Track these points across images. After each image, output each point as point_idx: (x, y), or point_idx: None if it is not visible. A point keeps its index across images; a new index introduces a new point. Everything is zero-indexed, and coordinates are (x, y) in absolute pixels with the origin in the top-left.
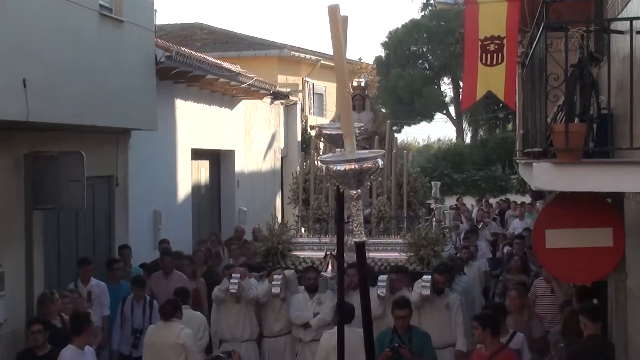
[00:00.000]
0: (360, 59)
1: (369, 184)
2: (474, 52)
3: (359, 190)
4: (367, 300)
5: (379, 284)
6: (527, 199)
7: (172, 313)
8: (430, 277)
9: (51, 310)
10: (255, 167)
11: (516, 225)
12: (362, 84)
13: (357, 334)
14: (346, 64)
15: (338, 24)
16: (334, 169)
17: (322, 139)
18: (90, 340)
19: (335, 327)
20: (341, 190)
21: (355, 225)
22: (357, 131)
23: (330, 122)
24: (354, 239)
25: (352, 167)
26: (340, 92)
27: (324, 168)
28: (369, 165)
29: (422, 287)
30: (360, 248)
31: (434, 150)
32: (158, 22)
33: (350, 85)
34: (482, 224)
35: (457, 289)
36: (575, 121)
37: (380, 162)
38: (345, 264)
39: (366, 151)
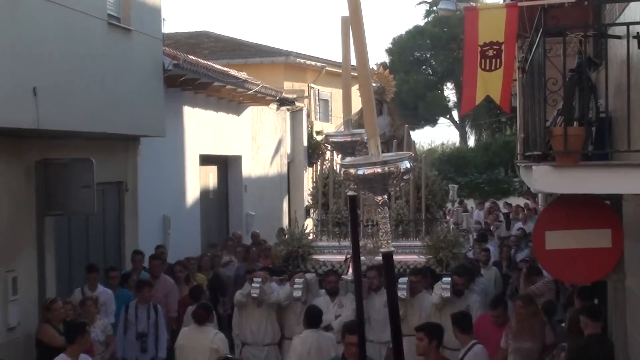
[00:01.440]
0: (377, 63)
1: (395, 188)
2: (474, 58)
3: (385, 196)
4: (396, 309)
5: (399, 286)
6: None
7: (205, 317)
8: (450, 279)
9: (47, 317)
10: (262, 172)
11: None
12: (379, 89)
13: (328, 338)
14: (369, 61)
15: (360, 20)
16: (357, 173)
17: (329, 148)
18: (85, 348)
19: (306, 332)
20: (358, 194)
21: (382, 234)
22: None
23: (336, 128)
24: (381, 249)
25: (377, 170)
26: (363, 89)
27: (343, 173)
28: (396, 168)
29: (442, 289)
30: (388, 258)
31: (437, 154)
32: (166, 30)
33: None
34: (492, 227)
35: (476, 290)
36: (575, 125)
37: (408, 164)
38: (364, 267)
39: (391, 153)
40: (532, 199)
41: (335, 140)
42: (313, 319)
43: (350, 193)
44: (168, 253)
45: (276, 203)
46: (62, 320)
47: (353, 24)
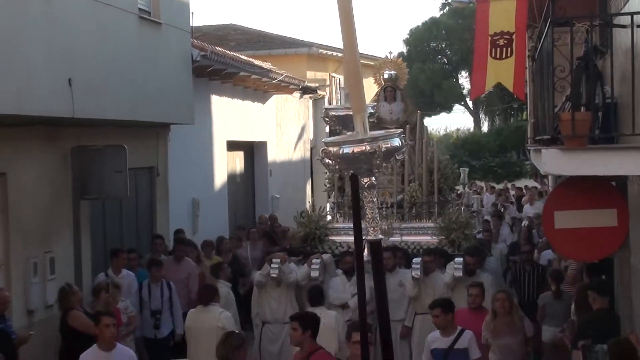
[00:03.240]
0: (390, 52)
1: (383, 169)
2: (484, 47)
3: (373, 178)
4: (384, 300)
5: (413, 266)
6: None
7: (210, 298)
8: (462, 259)
9: (72, 302)
10: (287, 157)
11: (527, 210)
12: (393, 76)
13: (329, 315)
14: (355, 32)
15: None
16: (341, 152)
17: (330, 123)
18: (107, 336)
19: (308, 310)
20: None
21: (368, 220)
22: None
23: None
24: (368, 237)
25: (364, 148)
26: (348, 59)
27: (322, 151)
28: (384, 147)
29: (455, 269)
30: (376, 247)
31: (453, 139)
32: (195, 23)
33: (381, 77)
34: (502, 208)
35: (487, 269)
36: (582, 110)
37: (398, 142)
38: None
39: (381, 131)
40: (542, 182)
41: (336, 114)
42: (314, 297)
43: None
44: (198, 235)
45: (300, 186)
46: (80, 306)
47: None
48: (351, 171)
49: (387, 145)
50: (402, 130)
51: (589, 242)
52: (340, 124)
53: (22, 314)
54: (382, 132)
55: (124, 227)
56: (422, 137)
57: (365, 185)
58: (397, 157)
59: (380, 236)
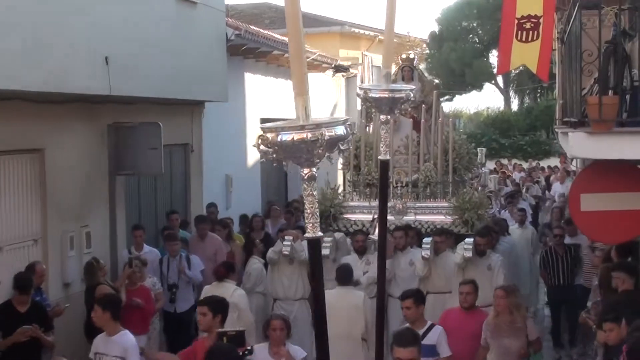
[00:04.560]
0: (408, 32)
1: (323, 159)
2: (510, 29)
3: (314, 169)
4: (322, 294)
5: (423, 246)
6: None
7: (225, 274)
8: (472, 239)
9: (99, 277)
10: None
11: (556, 188)
12: (411, 56)
13: (357, 296)
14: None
15: None
16: (279, 139)
17: (367, 104)
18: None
19: (337, 288)
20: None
21: (307, 216)
22: (410, 96)
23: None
24: (306, 235)
25: (304, 136)
26: (292, 41)
27: (259, 138)
28: (326, 134)
29: (465, 249)
30: (314, 245)
31: (483, 117)
32: (231, 2)
33: (399, 57)
34: (525, 187)
35: (500, 249)
36: (610, 93)
37: (342, 130)
38: (393, 227)
39: (324, 118)
40: (570, 162)
41: (375, 95)
42: (343, 276)
43: (381, 157)
44: (231, 210)
45: (331, 163)
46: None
47: None
48: (291, 161)
49: (330, 133)
50: (347, 118)
51: (615, 225)
52: (377, 106)
53: (58, 287)
54: (325, 118)
55: (159, 203)
56: (437, 117)
57: (305, 177)
58: (342, 147)
59: (320, 234)
